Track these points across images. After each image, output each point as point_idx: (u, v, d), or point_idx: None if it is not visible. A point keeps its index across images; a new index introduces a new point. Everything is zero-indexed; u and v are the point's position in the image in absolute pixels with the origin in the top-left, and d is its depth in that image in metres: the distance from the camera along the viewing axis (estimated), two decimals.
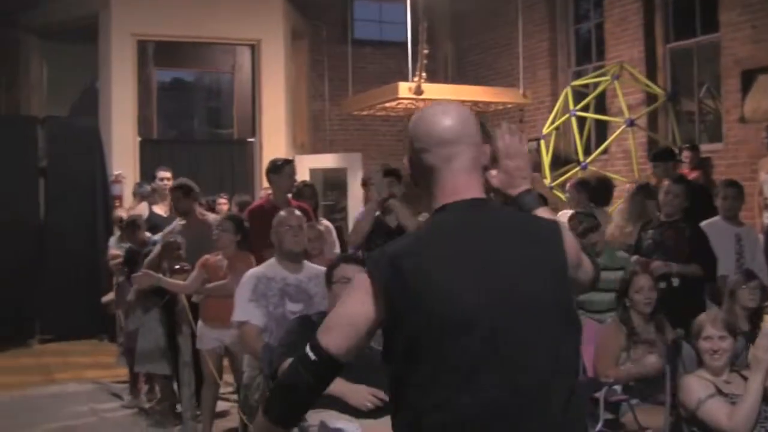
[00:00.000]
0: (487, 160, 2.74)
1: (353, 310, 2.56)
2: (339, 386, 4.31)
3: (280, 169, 8.18)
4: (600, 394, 5.59)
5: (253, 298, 5.77)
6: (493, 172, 2.87)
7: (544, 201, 7.55)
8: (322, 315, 4.32)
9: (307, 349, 2.58)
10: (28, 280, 12.45)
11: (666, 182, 7.56)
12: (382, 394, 4.32)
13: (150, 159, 13.30)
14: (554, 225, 2.68)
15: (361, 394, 4.49)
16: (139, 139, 13.73)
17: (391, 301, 2.47)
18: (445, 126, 2.59)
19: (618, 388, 5.73)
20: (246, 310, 5.78)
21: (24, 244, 12.40)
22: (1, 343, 11.80)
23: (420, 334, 2.45)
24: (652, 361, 5.77)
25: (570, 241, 2.69)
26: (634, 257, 7.19)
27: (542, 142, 13.07)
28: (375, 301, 2.51)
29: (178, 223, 8.48)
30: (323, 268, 5.52)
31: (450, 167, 2.58)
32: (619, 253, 7.17)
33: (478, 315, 2.43)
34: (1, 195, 12.15)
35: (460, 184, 2.58)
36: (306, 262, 6.07)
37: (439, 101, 2.79)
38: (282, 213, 6.19)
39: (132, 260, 8.71)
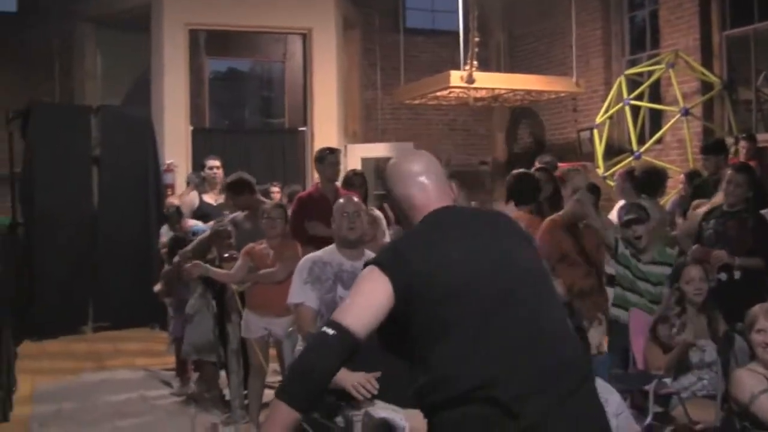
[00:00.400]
0: (454, 195, 3.18)
1: (366, 292, 2.82)
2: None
3: (323, 158, 8.37)
4: (650, 387, 5.49)
5: (309, 281, 5.74)
6: None
7: (597, 190, 7.45)
8: None
9: (324, 328, 2.76)
10: (81, 268, 12.56)
11: (729, 171, 7.37)
12: (374, 382, 4.28)
13: (202, 148, 13.32)
14: (505, 215, 3.33)
15: (350, 380, 4.43)
16: (191, 128, 13.78)
17: (402, 286, 2.77)
18: (412, 165, 3.08)
19: (668, 380, 5.63)
20: (301, 292, 5.75)
21: (78, 233, 12.49)
22: (55, 329, 11.92)
23: (433, 308, 2.75)
24: (680, 338, 5.69)
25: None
26: (695, 246, 7.04)
27: (595, 131, 12.95)
28: (385, 288, 2.78)
29: (241, 212, 8.49)
30: None
31: (420, 191, 3.03)
32: (669, 249, 6.99)
33: (485, 279, 2.80)
34: (55, 184, 12.24)
35: (430, 199, 3.02)
36: (367, 251, 6.02)
37: (408, 151, 3.23)
38: (340, 200, 6.15)
39: (176, 248, 8.74)
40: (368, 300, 2.78)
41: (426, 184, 3.03)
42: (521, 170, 7.94)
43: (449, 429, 2.71)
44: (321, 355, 2.73)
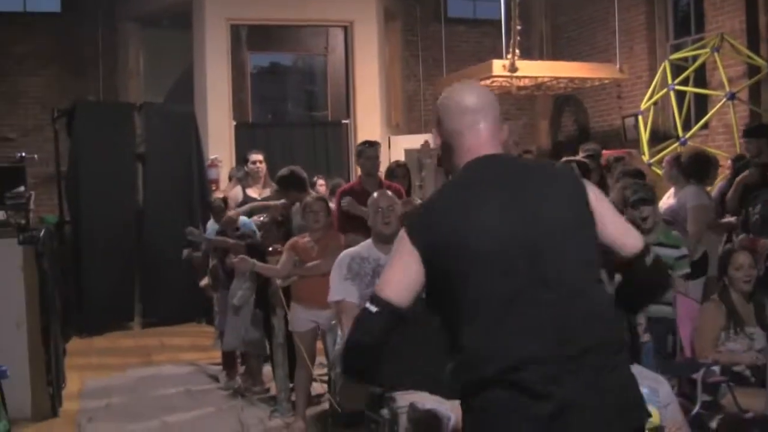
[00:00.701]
0: (505, 137, 2.99)
1: (398, 262, 2.84)
2: None
3: (361, 152, 8.43)
4: (698, 375, 5.42)
5: (348, 277, 5.80)
6: None
7: (642, 176, 7.33)
8: None
9: (367, 304, 2.83)
10: (127, 264, 12.68)
11: None
12: None
13: (245, 142, 13.39)
14: (568, 170, 3.02)
15: None
16: (234, 123, 13.84)
17: (427, 247, 2.76)
18: (469, 98, 2.94)
19: (717, 368, 5.55)
20: (341, 288, 5.82)
21: (124, 229, 12.58)
22: (102, 326, 12.04)
23: (461, 282, 2.71)
24: (747, 357, 5.62)
25: (589, 185, 2.93)
26: (742, 235, 6.94)
27: (640, 117, 12.82)
28: (414, 257, 2.78)
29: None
30: None
31: (471, 131, 2.90)
32: (674, 232, 6.81)
33: (513, 247, 2.69)
34: (100, 181, 12.32)
35: (480, 143, 2.89)
36: None
37: (465, 81, 3.08)
38: (374, 195, 6.17)
39: None
40: (402, 270, 2.82)
41: (478, 125, 2.91)
42: (571, 158, 7.90)
43: (482, 413, 2.70)
44: (366, 331, 2.82)
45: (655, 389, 4.49)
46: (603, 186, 8.55)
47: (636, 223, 6.33)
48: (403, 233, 2.85)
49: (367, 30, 14.39)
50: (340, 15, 14.34)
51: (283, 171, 8.46)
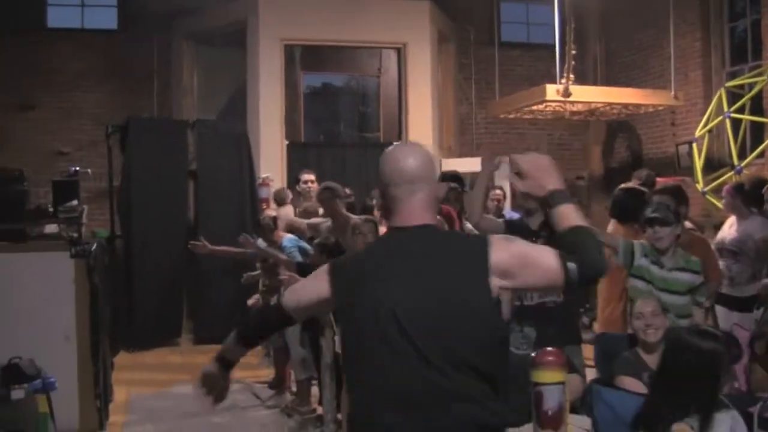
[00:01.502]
0: (442, 195, 3.25)
1: (308, 285, 3.28)
2: None
3: None
4: (754, 409, 5.30)
5: None
6: (520, 183, 3.22)
7: (682, 194, 7.08)
8: None
9: (277, 296, 3.49)
10: (177, 281, 12.74)
11: None
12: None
13: (297, 162, 13.42)
14: (481, 241, 3.02)
15: None
16: (286, 142, 13.87)
17: (335, 296, 3.09)
18: (409, 166, 3.10)
19: None
20: None
21: (175, 246, 12.61)
22: (151, 341, 12.09)
23: (343, 326, 3.15)
24: None
25: (501, 251, 2.95)
26: None
27: (694, 145, 12.67)
28: (323, 289, 3.13)
29: (327, 224, 8.51)
30: None
31: (411, 200, 3.08)
32: (694, 258, 6.48)
33: (386, 315, 2.89)
34: (152, 197, 12.43)
35: (415, 213, 3.07)
36: None
37: (404, 143, 3.24)
38: None
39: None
40: (304, 289, 3.26)
41: (415, 200, 3.08)
42: (629, 186, 7.74)
43: None
44: (263, 314, 3.72)
45: (733, 429, 4.39)
46: None
47: (653, 248, 6.01)
48: (326, 267, 3.17)
49: (421, 52, 14.40)
50: (394, 37, 14.36)
51: (321, 186, 8.50)
